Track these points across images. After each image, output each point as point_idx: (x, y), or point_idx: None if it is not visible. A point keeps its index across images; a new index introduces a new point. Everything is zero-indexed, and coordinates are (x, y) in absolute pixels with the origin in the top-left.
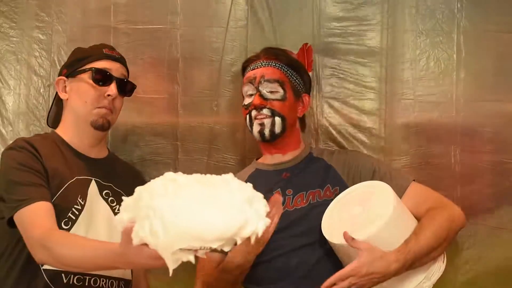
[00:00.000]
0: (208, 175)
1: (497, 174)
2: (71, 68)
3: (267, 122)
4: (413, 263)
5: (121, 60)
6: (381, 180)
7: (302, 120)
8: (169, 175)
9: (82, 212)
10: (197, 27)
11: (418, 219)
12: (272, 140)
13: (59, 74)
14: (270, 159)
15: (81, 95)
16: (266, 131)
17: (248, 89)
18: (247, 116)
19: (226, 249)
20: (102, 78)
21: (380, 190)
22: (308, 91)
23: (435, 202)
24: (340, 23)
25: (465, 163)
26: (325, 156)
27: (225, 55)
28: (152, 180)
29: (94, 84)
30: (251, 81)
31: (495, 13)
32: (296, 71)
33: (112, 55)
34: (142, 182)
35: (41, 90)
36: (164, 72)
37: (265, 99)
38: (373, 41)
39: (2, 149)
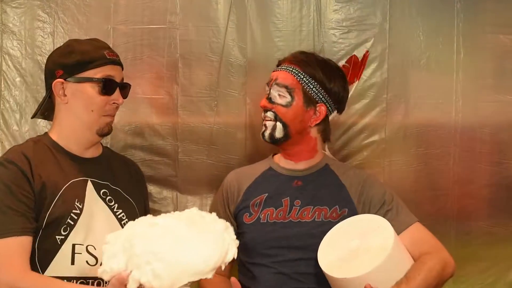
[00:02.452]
0: (177, 213)
1: (495, 174)
2: (71, 71)
3: (269, 124)
4: None
5: (120, 62)
6: (386, 212)
7: (324, 130)
8: (146, 219)
9: (81, 216)
10: (196, 27)
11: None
12: (274, 143)
13: (50, 71)
14: (284, 162)
15: (88, 105)
16: (266, 133)
17: (266, 89)
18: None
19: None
20: (109, 88)
21: (382, 228)
22: (331, 102)
23: (431, 247)
24: (340, 23)
25: (463, 163)
26: (340, 174)
27: (225, 55)
28: (128, 227)
29: (101, 94)
30: (267, 82)
31: (494, 15)
32: (317, 80)
33: (115, 59)
34: (139, 176)
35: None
36: (163, 72)
37: (272, 102)
38: (373, 42)
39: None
